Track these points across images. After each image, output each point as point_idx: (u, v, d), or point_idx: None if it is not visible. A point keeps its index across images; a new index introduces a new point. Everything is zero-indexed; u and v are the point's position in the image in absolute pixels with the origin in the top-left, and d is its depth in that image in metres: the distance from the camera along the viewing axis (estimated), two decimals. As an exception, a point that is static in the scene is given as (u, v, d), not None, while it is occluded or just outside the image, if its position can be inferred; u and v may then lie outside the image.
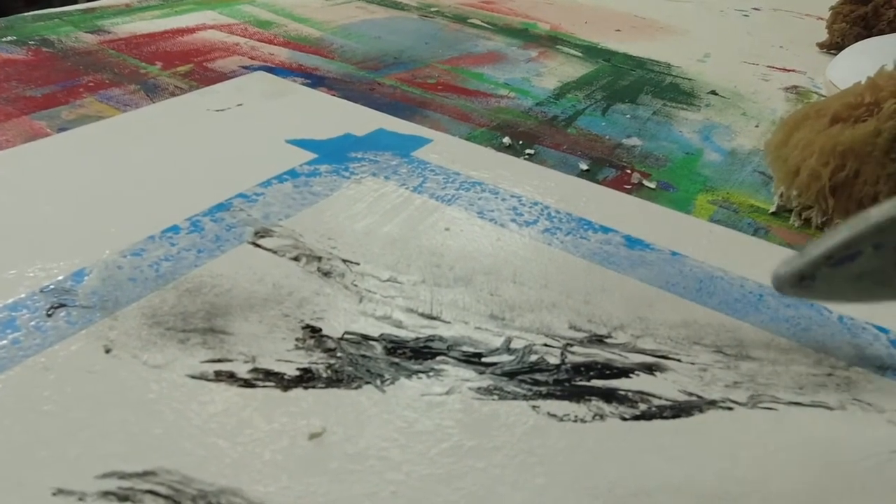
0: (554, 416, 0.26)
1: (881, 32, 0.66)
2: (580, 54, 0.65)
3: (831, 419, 0.27)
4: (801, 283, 0.23)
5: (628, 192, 0.41)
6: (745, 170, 0.45)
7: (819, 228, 0.39)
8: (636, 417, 0.26)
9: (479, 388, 0.26)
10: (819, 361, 0.29)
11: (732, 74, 0.63)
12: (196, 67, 0.54)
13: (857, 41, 0.63)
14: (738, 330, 0.31)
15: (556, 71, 0.60)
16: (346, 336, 0.28)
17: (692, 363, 0.28)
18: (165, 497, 0.22)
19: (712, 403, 0.27)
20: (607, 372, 0.28)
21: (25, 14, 0.63)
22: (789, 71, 0.65)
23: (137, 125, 0.45)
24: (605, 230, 0.37)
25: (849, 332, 0.31)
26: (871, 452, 0.25)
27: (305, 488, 0.23)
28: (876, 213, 0.21)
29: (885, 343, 0.30)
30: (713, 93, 0.58)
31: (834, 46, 0.69)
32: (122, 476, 0.22)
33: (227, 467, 0.23)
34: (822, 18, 0.74)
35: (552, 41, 0.69)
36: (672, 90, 0.58)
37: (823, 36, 0.71)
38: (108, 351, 0.27)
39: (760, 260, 0.35)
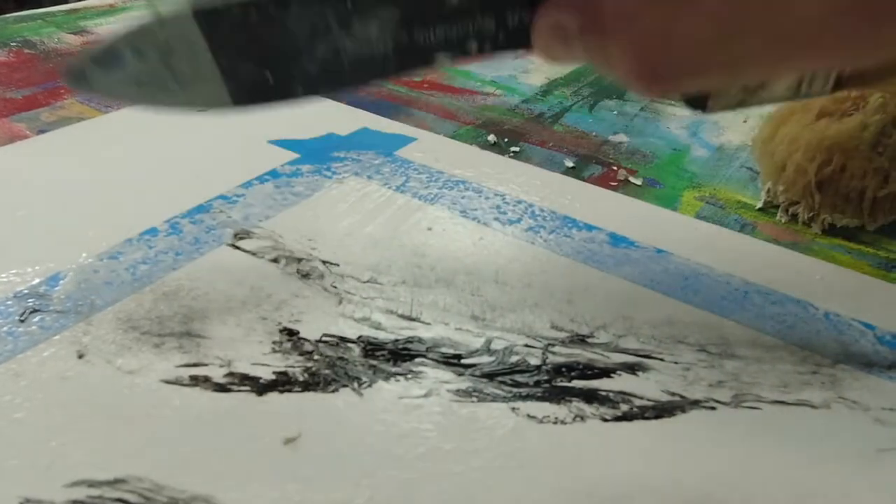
0: (534, 417, 0.25)
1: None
2: (568, 51, 0.65)
3: (816, 418, 0.26)
4: (77, 78, 0.25)
5: (614, 189, 0.41)
6: (732, 166, 0.45)
7: (806, 224, 0.38)
8: (617, 418, 0.26)
9: (458, 390, 0.26)
10: (804, 359, 0.29)
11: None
12: (179, 67, 0.54)
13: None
14: (722, 328, 0.30)
15: (544, 68, 0.60)
16: (323, 338, 0.28)
17: (676, 362, 0.28)
18: (135, 506, 0.21)
19: (695, 403, 0.26)
20: (589, 372, 0.27)
21: (7, 15, 0.62)
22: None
23: (118, 127, 0.44)
24: (590, 228, 0.36)
25: (835, 328, 0.30)
26: (856, 452, 0.25)
27: (280, 494, 0.22)
28: (129, 20, 0.24)
29: (872, 340, 0.30)
30: (701, 88, 0.58)
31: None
32: (92, 484, 0.22)
33: (199, 474, 0.23)
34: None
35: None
36: (660, 86, 0.58)
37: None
38: (81, 356, 0.26)
39: (746, 256, 0.35)
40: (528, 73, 0.59)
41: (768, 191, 0.40)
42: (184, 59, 0.24)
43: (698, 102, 0.26)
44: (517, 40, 0.24)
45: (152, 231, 0.34)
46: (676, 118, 0.51)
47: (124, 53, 0.24)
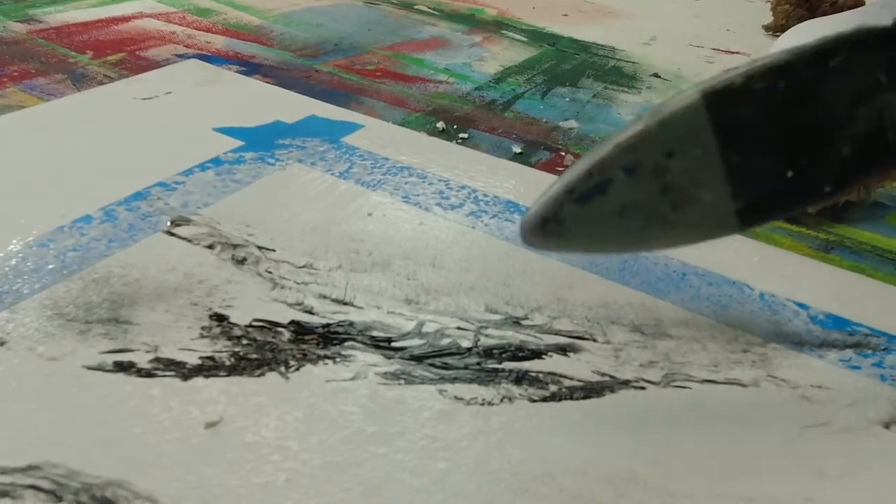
0: (461, 399, 0.25)
1: (824, 14, 0.66)
2: (525, 39, 0.65)
3: (744, 396, 0.26)
4: (546, 227, 0.20)
5: (561, 174, 0.41)
6: (680, 151, 0.45)
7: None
8: (545, 399, 0.25)
9: (385, 373, 0.26)
10: (736, 338, 0.29)
11: (677, 57, 0.62)
12: (128, 56, 0.53)
13: (800, 23, 0.63)
14: (657, 309, 0.30)
15: (499, 56, 0.60)
16: (253, 323, 0.28)
17: (608, 343, 0.28)
18: (48, 492, 0.21)
19: (625, 383, 0.26)
20: (520, 354, 0.27)
21: (-47, 4, 0.61)
22: (734, 53, 0.65)
23: (58, 115, 0.43)
24: (532, 212, 0.36)
25: (769, 309, 0.31)
26: (781, 428, 0.25)
27: (197, 478, 0.22)
28: (618, 133, 0.18)
29: (805, 319, 0.30)
30: (656, 75, 0.58)
31: (779, 28, 0.69)
32: (4, 471, 0.21)
33: (117, 459, 0.22)
34: (769, 1, 0.74)
35: (497, 26, 0.68)
36: (614, 73, 0.58)
37: (770, 19, 0.71)
38: (2, 344, 0.26)
39: (687, 239, 0.35)
40: (483, 60, 0.58)
41: (712, 175, 0.40)
42: (685, 168, 0.18)
43: None
44: None
45: (86, 219, 0.33)
46: (629, 105, 0.52)
47: (612, 175, 0.18)
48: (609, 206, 0.19)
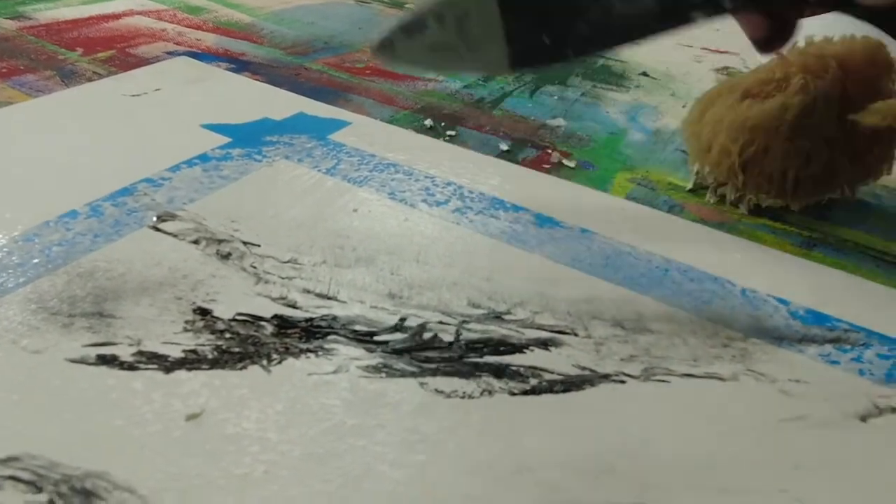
0: (441, 392, 0.25)
1: (813, 14, 0.66)
2: (515, 38, 0.65)
3: (723, 390, 0.27)
4: (383, 48, 0.29)
5: (547, 171, 0.41)
6: (667, 149, 0.45)
7: (733, 204, 0.39)
8: (525, 392, 0.26)
9: (367, 367, 0.26)
10: (716, 333, 0.29)
11: (666, 56, 0.63)
12: (118, 53, 0.53)
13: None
14: (640, 304, 0.30)
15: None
16: (236, 317, 0.28)
17: (589, 337, 0.28)
18: (27, 483, 0.21)
19: (605, 377, 0.27)
20: (501, 348, 0.27)
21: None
22: (723, 52, 0.65)
23: (47, 111, 0.43)
24: (517, 209, 0.36)
25: (750, 304, 0.31)
26: (759, 422, 0.25)
27: (177, 469, 0.22)
28: None
29: (785, 314, 0.30)
30: (644, 74, 0.58)
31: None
32: (-16, 463, 0.22)
33: (97, 451, 0.22)
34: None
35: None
36: (603, 72, 0.58)
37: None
38: (-15, 337, 0.26)
39: (670, 235, 0.35)
40: (473, 59, 0.59)
41: (697, 172, 0.40)
42: (476, 24, 0.28)
43: None
44: None
45: (72, 214, 0.33)
46: (617, 103, 0.52)
47: (428, 20, 0.28)
48: (425, 41, 0.28)
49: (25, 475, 0.21)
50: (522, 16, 0.28)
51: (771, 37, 0.30)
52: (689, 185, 0.41)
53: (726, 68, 0.61)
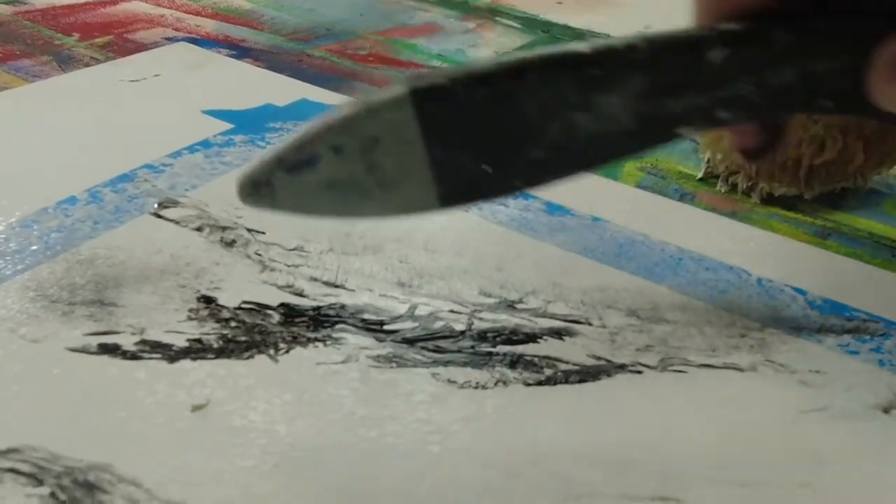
0: (454, 382, 0.25)
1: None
2: (519, 26, 0.64)
3: (742, 381, 0.26)
4: (258, 190, 0.20)
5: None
6: (676, 137, 0.45)
7: (745, 193, 0.38)
8: (540, 383, 0.25)
9: (377, 356, 0.25)
10: (733, 323, 0.28)
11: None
12: (115, 39, 0.52)
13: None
14: (654, 293, 0.30)
15: (493, 42, 0.59)
16: (242, 305, 0.27)
17: (603, 327, 0.28)
18: (28, 475, 0.20)
19: (621, 367, 0.26)
20: (514, 338, 0.27)
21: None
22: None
23: (44, 96, 0.42)
24: (526, 197, 0.36)
25: (766, 294, 0.30)
26: (779, 413, 0.25)
27: (183, 462, 0.21)
28: (329, 113, 0.19)
29: (802, 304, 0.30)
30: (650, 63, 0.57)
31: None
32: (-17, 454, 0.21)
33: (100, 443, 0.22)
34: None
35: (491, 13, 0.67)
36: (609, 60, 0.57)
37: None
38: (-17, 325, 0.25)
39: (683, 224, 0.35)
40: (476, 47, 0.58)
41: (708, 160, 0.39)
42: (390, 155, 0.20)
43: None
44: (774, 104, 0.20)
45: (71, 200, 0.32)
46: (623, 91, 0.51)
47: (320, 152, 0.19)
48: (318, 179, 0.20)
49: (26, 468, 0.21)
50: (455, 141, 0.20)
51: (762, 146, 0.25)
52: (700, 174, 0.40)
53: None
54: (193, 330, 0.26)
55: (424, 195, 0.21)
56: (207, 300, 0.27)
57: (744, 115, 0.20)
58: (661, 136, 0.21)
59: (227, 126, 0.40)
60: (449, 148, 0.20)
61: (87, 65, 0.47)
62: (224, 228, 0.31)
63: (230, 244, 0.30)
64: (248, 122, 0.41)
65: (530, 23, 0.65)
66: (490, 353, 0.26)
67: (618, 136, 0.20)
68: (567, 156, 0.21)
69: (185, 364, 0.24)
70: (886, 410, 0.25)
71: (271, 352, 0.25)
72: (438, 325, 0.27)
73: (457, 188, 0.21)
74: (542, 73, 0.19)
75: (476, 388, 0.25)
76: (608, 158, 0.21)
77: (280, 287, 0.28)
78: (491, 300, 0.28)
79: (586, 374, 0.26)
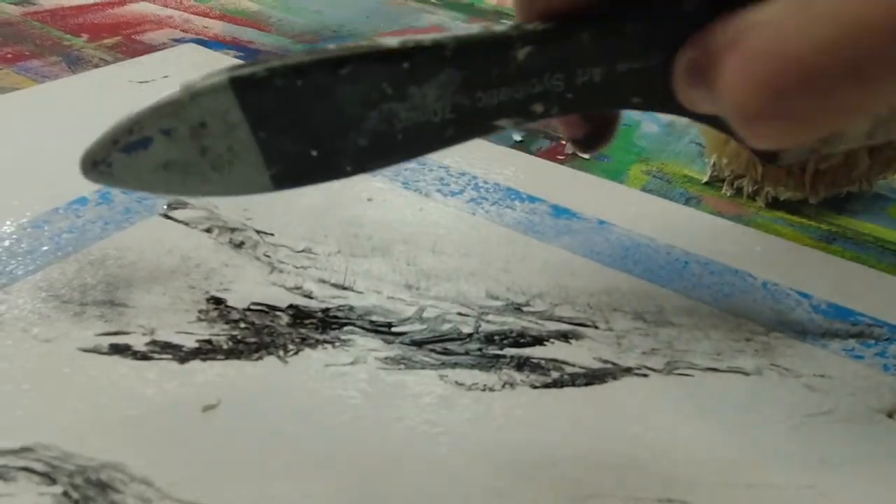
0: (462, 384, 0.25)
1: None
2: (525, 28, 0.64)
3: (747, 384, 0.26)
4: (97, 168, 0.22)
5: (561, 162, 0.41)
6: (682, 141, 0.45)
7: (750, 197, 0.38)
8: (547, 385, 0.25)
9: (386, 358, 0.26)
10: (739, 327, 0.29)
11: (677, 48, 0.62)
12: (124, 40, 0.53)
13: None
14: (660, 297, 0.30)
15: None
16: (251, 307, 0.27)
17: (610, 330, 0.28)
18: (41, 474, 0.21)
19: (627, 370, 0.26)
20: (521, 340, 0.27)
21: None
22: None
23: (54, 96, 0.43)
24: (532, 199, 0.36)
25: (771, 297, 0.30)
26: (784, 417, 0.25)
27: (194, 462, 0.22)
28: (159, 97, 0.20)
29: (807, 308, 0.30)
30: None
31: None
32: (-3, 453, 0.21)
33: (111, 442, 0.22)
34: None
35: (497, 15, 0.67)
36: (615, 63, 0.57)
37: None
38: (-5, 325, 0.25)
39: (689, 228, 0.35)
40: (483, 49, 0.58)
41: (714, 164, 0.40)
42: (219, 138, 0.20)
43: (770, 155, 0.25)
44: (586, 99, 0.21)
45: (82, 201, 0.33)
46: (629, 95, 0.51)
47: (151, 134, 0.20)
48: (152, 160, 0.21)
49: (39, 466, 0.21)
50: (279, 128, 0.21)
51: (590, 137, 0.26)
52: (706, 178, 0.40)
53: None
54: (203, 331, 0.26)
55: (258, 176, 0.22)
56: (217, 301, 0.27)
57: (558, 109, 0.21)
58: (481, 128, 0.22)
59: (236, 127, 0.40)
60: (274, 134, 0.21)
61: (96, 65, 0.47)
62: (233, 230, 0.32)
63: (239, 246, 0.31)
64: (256, 123, 0.41)
65: (536, 25, 0.65)
66: (497, 356, 0.26)
67: (437, 126, 0.21)
68: (391, 143, 0.21)
69: (196, 365, 0.25)
70: (890, 415, 0.25)
71: (280, 353, 0.25)
72: (446, 327, 0.27)
73: (288, 170, 0.22)
74: (356, 66, 0.19)
75: (483, 390, 0.25)
76: (432, 147, 0.22)
77: (289, 289, 0.28)
78: (498, 303, 0.29)
79: (593, 377, 0.26)
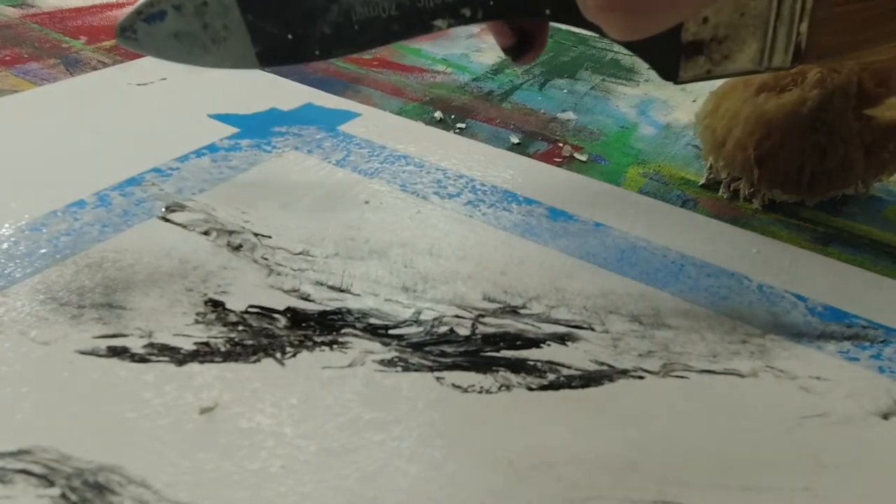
0: (458, 387, 0.25)
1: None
2: (522, 31, 0.64)
3: (743, 386, 0.26)
4: (124, 34, 0.28)
5: (558, 165, 0.41)
6: (678, 143, 0.45)
7: (747, 200, 0.38)
8: (544, 388, 0.25)
9: (382, 361, 0.26)
10: (734, 329, 0.29)
11: (674, 51, 0.62)
12: (122, 42, 0.53)
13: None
14: (656, 299, 0.30)
15: (497, 47, 0.59)
16: (249, 309, 0.27)
17: (606, 332, 0.28)
18: (39, 476, 0.21)
19: (623, 373, 0.26)
20: (518, 342, 0.27)
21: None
22: (731, 48, 0.65)
23: (52, 99, 0.43)
24: (529, 202, 0.36)
25: (767, 300, 0.30)
26: (780, 418, 0.25)
27: (191, 464, 0.22)
28: None
29: (803, 311, 0.30)
30: (653, 68, 0.58)
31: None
32: (-5, 455, 0.21)
33: (109, 444, 0.22)
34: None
35: (495, 18, 0.68)
36: (612, 66, 0.58)
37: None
38: (-7, 328, 0.26)
39: (685, 230, 0.35)
40: (481, 51, 0.58)
41: (710, 167, 0.40)
42: (217, 17, 0.27)
43: (670, 71, 0.28)
44: (504, 7, 0.27)
45: (79, 203, 0.33)
46: (626, 97, 0.51)
47: (166, 9, 0.27)
48: (167, 30, 0.27)
49: (37, 469, 0.21)
50: (262, 12, 0.27)
51: (518, 46, 0.31)
52: (702, 181, 0.40)
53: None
54: (201, 333, 0.26)
55: (246, 53, 0.28)
56: (215, 304, 0.27)
57: (483, 14, 0.27)
58: (422, 26, 0.27)
59: (233, 130, 0.41)
60: (258, 17, 0.27)
61: (95, 68, 0.48)
62: (231, 232, 0.32)
63: (237, 248, 0.31)
64: (254, 126, 0.41)
65: (534, 28, 0.65)
66: (494, 358, 0.26)
67: (386, 21, 0.27)
68: (349, 34, 0.27)
69: (193, 367, 0.25)
70: (886, 417, 0.25)
71: (278, 355, 0.25)
72: (443, 329, 0.27)
73: (271, 50, 0.28)
74: None
75: (480, 392, 0.25)
76: (383, 39, 0.28)
77: (286, 291, 0.29)
78: (495, 305, 0.29)
79: (589, 379, 0.26)
